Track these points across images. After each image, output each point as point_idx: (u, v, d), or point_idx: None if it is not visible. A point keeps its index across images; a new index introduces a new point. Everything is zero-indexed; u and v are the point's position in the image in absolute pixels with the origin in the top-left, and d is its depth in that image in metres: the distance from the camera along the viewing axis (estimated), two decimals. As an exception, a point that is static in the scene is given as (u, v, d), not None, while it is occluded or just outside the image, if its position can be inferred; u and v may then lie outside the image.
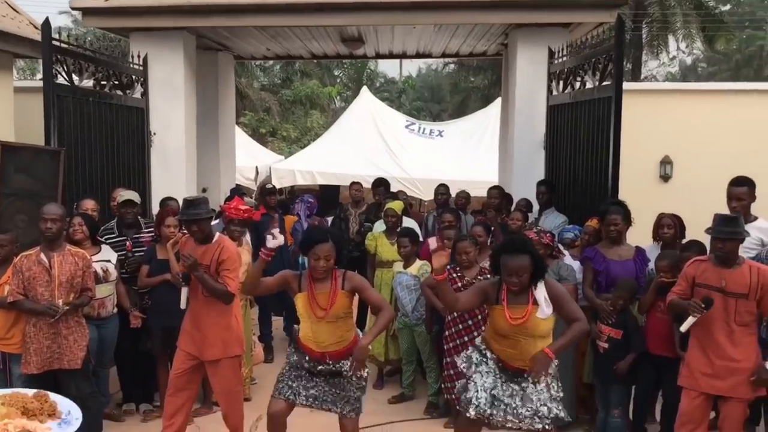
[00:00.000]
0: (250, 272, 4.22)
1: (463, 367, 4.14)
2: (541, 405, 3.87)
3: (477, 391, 3.95)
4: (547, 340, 3.93)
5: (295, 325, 4.30)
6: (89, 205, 5.57)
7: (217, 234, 4.81)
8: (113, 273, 5.14)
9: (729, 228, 4.15)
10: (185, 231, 5.28)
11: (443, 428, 5.39)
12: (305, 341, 4.15)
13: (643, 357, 4.90)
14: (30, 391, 2.18)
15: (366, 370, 4.20)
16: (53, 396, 2.11)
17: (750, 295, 4.11)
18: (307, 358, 4.14)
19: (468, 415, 3.97)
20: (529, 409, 3.87)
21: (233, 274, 4.63)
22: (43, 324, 4.49)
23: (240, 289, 4.57)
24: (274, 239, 3.96)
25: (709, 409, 4.35)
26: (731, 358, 4.14)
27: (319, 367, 4.12)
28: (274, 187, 8.00)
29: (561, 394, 3.97)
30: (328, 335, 4.06)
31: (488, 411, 3.91)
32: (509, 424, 3.92)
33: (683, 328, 4.26)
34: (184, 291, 4.72)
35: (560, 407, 3.90)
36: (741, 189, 4.93)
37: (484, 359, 4.05)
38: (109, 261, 5.15)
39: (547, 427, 3.87)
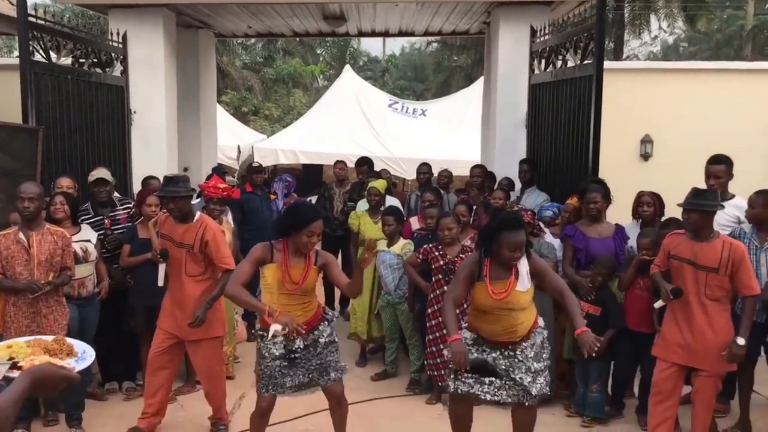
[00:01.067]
0: (239, 300, 4.07)
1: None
2: (525, 374, 3.92)
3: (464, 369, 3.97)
4: (528, 311, 3.98)
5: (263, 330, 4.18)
6: (65, 182, 5.51)
7: (198, 213, 4.80)
8: (93, 253, 5.11)
9: (697, 200, 4.24)
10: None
11: (425, 404, 5.45)
12: (268, 318, 4.05)
13: (622, 333, 4.98)
14: (49, 337, 2.35)
15: (333, 331, 4.23)
16: (69, 339, 2.34)
17: (720, 269, 4.19)
18: (276, 340, 4.04)
19: (450, 389, 4.02)
20: (514, 378, 3.93)
21: (226, 251, 4.69)
22: (23, 303, 4.47)
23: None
24: (275, 335, 3.88)
25: (681, 381, 4.45)
26: (703, 332, 4.23)
27: (292, 347, 4.06)
28: (260, 165, 7.96)
29: (543, 365, 4.02)
30: (296, 309, 4.04)
31: (469, 386, 3.95)
32: (496, 398, 3.97)
33: (656, 305, 4.49)
34: (162, 268, 4.72)
35: (538, 381, 3.95)
36: (718, 167, 5.01)
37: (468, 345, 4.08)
38: (89, 241, 5.11)
39: (526, 401, 3.94)
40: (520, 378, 3.92)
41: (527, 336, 4.00)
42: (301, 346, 4.07)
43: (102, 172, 5.69)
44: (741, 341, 4.16)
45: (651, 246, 4.81)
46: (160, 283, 4.78)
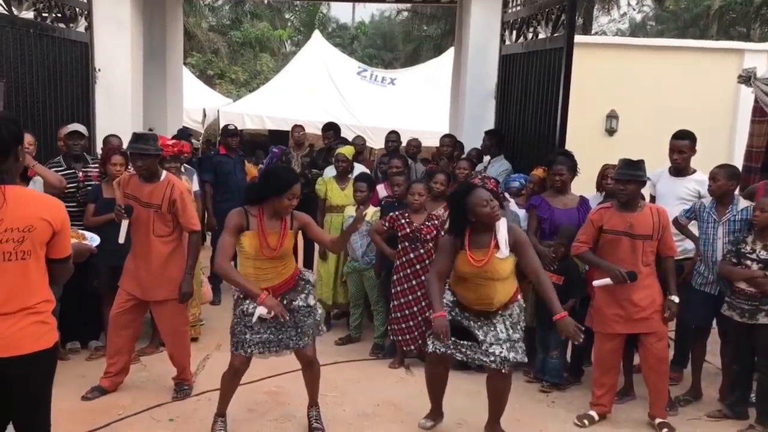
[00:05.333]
0: (232, 281, 4.03)
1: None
2: (496, 345, 4.00)
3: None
4: (508, 282, 4.04)
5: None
6: (27, 139, 5.37)
7: (164, 172, 4.75)
8: None
9: (630, 170, 4.39)
10: (130, 169, 5.20)
11: (388, 368, 5.52)
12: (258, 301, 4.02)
13: (584, 302, 5.08)
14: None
15: (309, 294, 4.19)
16: (79, 230, 3.34)
17: (654, 235, 4.40)
18: (249, 301, 4.03)
19: (428, 349, 4.11)
20: (487, 345, 4.01)
21: (192, 212, 4.68)
22: None
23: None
24: (260, 318, 3.92)
25: (622, 350, 4.64)
26: (642, 298, 4.42)
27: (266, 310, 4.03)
28: (236, 128, 7.81)
29: (519, 335, 4.10)
30: (271, 272, 4.04)
31: (451, 349, 4.05)
32: (469, 353, 4.06)
33: (597, 284, 4.51)
34: (125, 224, 4.64)
35: (516, 348, 4.03)
36: (683, 142, 5.11)
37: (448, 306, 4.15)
38: None
39: (502, 368, 4.02)
40: (493, 350, 3.99)
41: (504, 307, 4.07)
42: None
43: (76, 126, 5.62)
44: (677, 299, 4.43)
45: None
46: (121, 240, 4.68)
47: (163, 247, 4.63)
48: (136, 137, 4.60)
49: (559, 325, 3.93)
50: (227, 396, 4.24)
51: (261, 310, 3.91)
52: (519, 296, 4.17)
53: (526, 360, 4.19)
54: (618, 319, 4.49)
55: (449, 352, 4.09)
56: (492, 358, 4.00)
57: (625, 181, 4.38)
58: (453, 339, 4.03)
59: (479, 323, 4.05)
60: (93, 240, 3.33)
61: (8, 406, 2.83)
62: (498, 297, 4.01)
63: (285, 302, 4.06)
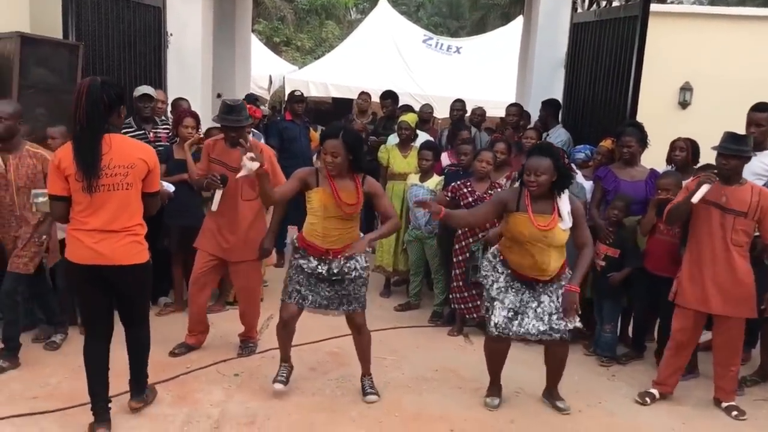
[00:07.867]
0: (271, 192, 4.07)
1: (479, 278, 4.31)
2: (554, 317, 4.04)
3: (497, 311, 4.09)
4: (560, 252, 4.03)
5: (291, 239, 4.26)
6: None
7: (250, 137, 4.83)
8: None
9: (735, 145, 4.20)
10: (202, 134, 5.33)
11: (447, 335, 5.57)
12: (310, 238, 4.10)
13: (642, 278, 4.98)
14: None
15: (366, 261, 4.23)
16: None
17: (749, 214, 4.20)
18: (310, 258, 4.11)
19: (491, 333, 4.15)
20: (545, 322, 4.04)
21: (281, 175, 4.77)
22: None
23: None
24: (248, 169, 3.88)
25: (699, 330, 4.51)
26: (726, 278, 4.25)
27: (326, 269, 4.11)
28: (302, 94, 7.86)
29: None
30: (337, 232, 4.06)
31: (508, 328, 4.07)
32: (529, 336, 4.10)
33: (695, 198, 4.22)
34: (218, 193, 4.72)
35: (571, 317, 4.05)
36: (762, 115, 4.88)
37: (496, 273, 4.16)
38: None
39: (564, 336, 4.07)
40: (549, 320, 4.04)
41: (556, 278, 4.07)
42: (335, 271, 4.11)
43: (147, 89, 5.82)
44: None
45: (671, 186, 4.75)
46: (214, 208, 4.74)
47: (248, 211, 4.75)
48: (229, 109, 4.59)
49: (564, 296, 3.97)
50: (285, 345, 4.38)
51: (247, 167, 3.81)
52: (567, 268, 4.15)
53: (582, 327, 4.18)
54: (701, 296, 4.32)
55: (511, 333, 4.09)
56: (555, 327, 4.03)
57: (728, 155, 4.21)
58: (509, 316, 4.08)
59: (533, 296, 4.07)
60: (169, 187, 4.45)
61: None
62: (552, 264, 4.01)
63: (342, 261, 4.10)
